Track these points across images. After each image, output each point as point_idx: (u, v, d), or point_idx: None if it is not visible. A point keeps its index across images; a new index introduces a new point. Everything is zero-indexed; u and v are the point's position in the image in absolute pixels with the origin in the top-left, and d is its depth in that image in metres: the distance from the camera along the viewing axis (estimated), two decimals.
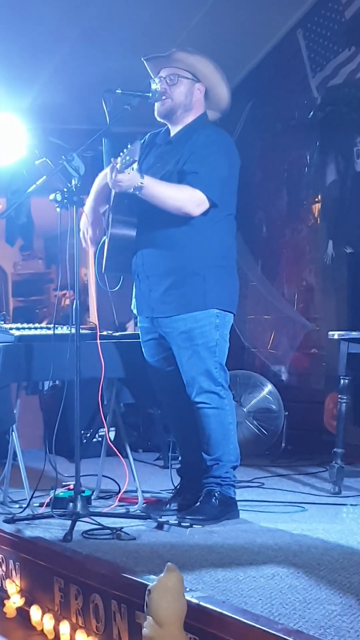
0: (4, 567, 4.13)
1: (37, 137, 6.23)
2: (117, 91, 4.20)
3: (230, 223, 4.40)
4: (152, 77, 4.37)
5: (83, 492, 4.27)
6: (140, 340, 4.54)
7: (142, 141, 4.48)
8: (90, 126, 4.18)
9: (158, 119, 4.40)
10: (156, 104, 4.35)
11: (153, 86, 4.30)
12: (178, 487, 4.55)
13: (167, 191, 4.21)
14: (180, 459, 4.58)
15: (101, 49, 6.30)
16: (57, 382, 5.15)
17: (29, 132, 6.33)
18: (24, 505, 4.46)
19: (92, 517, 4.12)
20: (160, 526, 4.11)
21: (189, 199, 4.20)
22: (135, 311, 4.53)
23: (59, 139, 4.80)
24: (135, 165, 4.11)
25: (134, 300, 4.50)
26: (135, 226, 4.33)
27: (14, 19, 5.96)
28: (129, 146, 4.06)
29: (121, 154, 4.09)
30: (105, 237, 4.41)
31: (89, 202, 4.52)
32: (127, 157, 4.05)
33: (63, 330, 4.53)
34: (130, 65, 4.55)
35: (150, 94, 4.29)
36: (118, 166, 4.07)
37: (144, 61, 4.38)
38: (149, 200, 4.19)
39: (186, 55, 4.34)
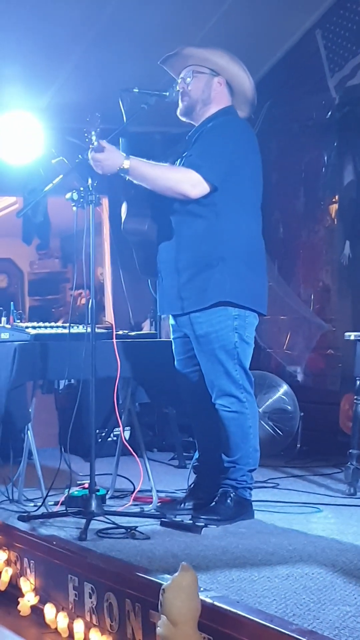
0: (18, 565, 4.13)
1: (54, 136, 6.25)
2: (134, 90, 4.20)
3: (252, 214, 4.29)
4: (176, 79, 4.35)
5: (98, 491, 4.27)
6: (155, 340, 4.54)
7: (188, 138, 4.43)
8: (107, 125, 4.18)
9: (180, 118, 4.37)
10: (179, 103, 4.33)
11: (176, 88, 4.28)
12: (192, 485, 4.54)
13: (156, 171, 4.14)
14: (198, 456, 4.56)
15: (118, 48, 6.30)
16: (72, 381, 5.15)
17: (47, 131, 6.35)
18: (39, 504, 4.47)
19: (107, 516, 4.12)
20: (174, 526, 4.10)
21: (181, 179, 4.11)
22: (159, 312, 4.50)
23: (76, 138, 4.80)
24: (105, 143, 4.02)
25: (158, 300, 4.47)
26: (146, 218, 4.29)
27: (33, 20, 5.98)
28: (87, 119, 4.00)
29: (89, 135, 4.02)
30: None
31: None
32: (85, 131, 3.99)
33: (79, 329, 4.53)
34: (148, 65, 4.55)
35: (167, 93, 4.27)
36: (93, 144, 4.00)
37: (162, 65, 4.37)
38: (140, 183, 4.12)
39: (197, 49, 4.30)
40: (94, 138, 4.01)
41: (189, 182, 4.10)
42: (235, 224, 4.20)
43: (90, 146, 4.02)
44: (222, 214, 4.18)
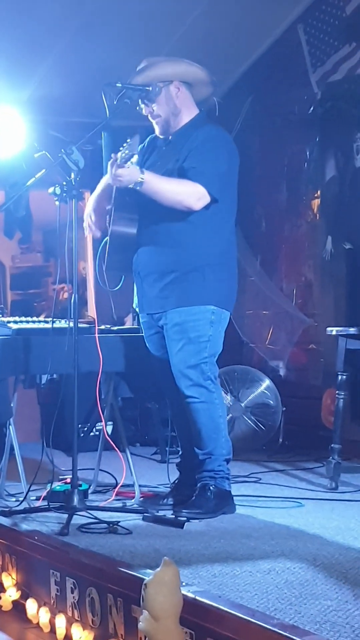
0: (0, 560, 4.12)
1: (36, 130, 6.22)
2: (117, 85, 4.20)
3: (230, 220, 4.42)
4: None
5: (80, 485, 4.27)
6: (138, 334, 4.54)
7: (142, 145, 4.49)
8: (89, 119, 4.18)
9: (161, 137, 4.41)
10: (155, 126, 4.41)
11: (143, 112, 4.37)
12: (176, 481, 4.55)
13: (167, 186, 4.22)
14: (180, 453, 4.58)
15: (100, 42, 6.28)
16: (54, 375, 5.14)
17: (28, 125, 6.33)
18: (21, 499, 4.46)
19: (89, 511, 4.12)
20: (156, 520, 4.10)
21: (189, 193, 4.21)
22: (137, 309, 4.53)
23: (58, 132, 4.79)
24: (134, 159, 4.12)
25: (135, 298, 4.50)
26: (136, 223, 4.35)
27: (13, 11, 5.95)
28: (128, 140, 4.10)
29: (121, 148, 4.10)
30: (107, 236, 4.40)
31: (93, 196, 4.50)
32: (127, 151, 4.07)
33: (61, 323, 4.53)
34: (130, 59, 4.53)
35: (150, 88, 4.28)
36: (118, 161, 4.08)
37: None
38: (150, 196, 4.19)
39: (142, 74, 4.33)
40: (134, 159, 4.13)
41: (196, 196, 4.22)
42: (219, 232, 4.34)
43: (116, 160, 4.09)
44: (208, 222, 4.29)
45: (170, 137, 4.42)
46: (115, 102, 4.19)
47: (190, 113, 4.40)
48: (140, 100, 4.35)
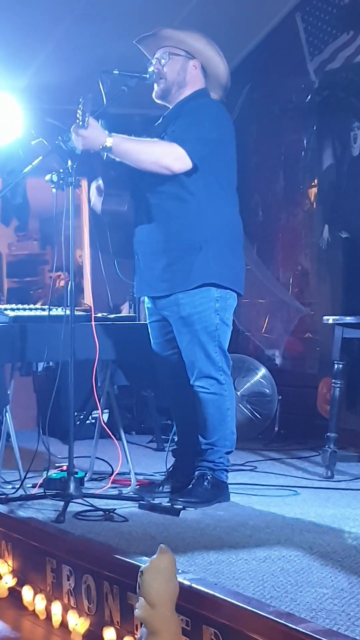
0: None
1: (33, 118, 6.21)
2: (114, 72, 4.18)
3: (230, 196, 4.30)
4: (150, 59, 4.34)
5: (76, 473, 4.27)
6: (134, 322, 4.54)
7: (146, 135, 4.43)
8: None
9: (156, 101, 4.37)
10: (154, 87, 4.32)
11: (150, 69, 4.27)
12: (170, 469, 4.55)
13: (138, 146, 4.13)
14: (177, 440, 4.58)
15: (98, 29, 6.26)
16: (51, 363, 5.14)
17: (26, 112, 6.31)
18: (17, 486, 4.47)
19: (85, 499, 4.12)
20: (152, 508, 4.11)
21: (164, 152, 4.10)
22: (135, 294, 4.49)
23: (55, 119, 4.77)
24: (90, 119, 4.00)
25: (134, 282, 4.46)
26: (125, 200, 4.28)
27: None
28: (80, 99, 3.98)
29: (78, 110, 4.00)
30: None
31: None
32: (80, 107, 3.97)
33: (58, 311, 4.52)
34: (128, 46, 4.52)
35: (148, 75, 4.26)
36: (77, 121, 3.99)
37: (137, 45, 4.35)
38: (123, 160, 4.11)
39: (174, 31, 4.29)
40: (79, 114, 3.98)
41: (172, 155, 4.09)
42: (215, 207, 4.21)
43: (77, 122, 4.00)
44: (203, 196, 4.19)
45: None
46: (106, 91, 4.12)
47: (191, 90, 4.33)
48: (159, 51, 4.26)
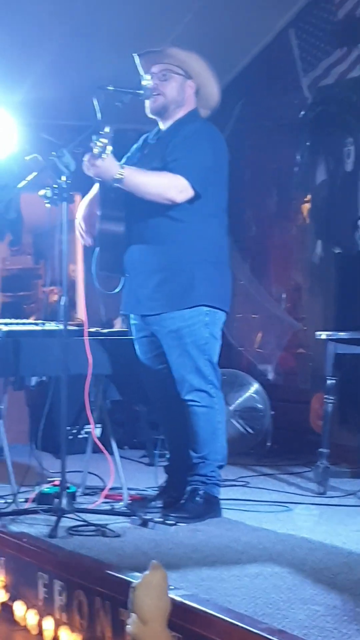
0: None
1: (28, 133, 6.22)
2: (109, 88, 4.20)
3: (220, 218, 4.38)
4: (142, 73, 4.36)
5: (68, 488, 4.27)
6: (127, 337, 4.54)
7: (136, 145, 4.48)
8: (81, 122, 4.18)
9: (150, 115, 4.39)
10: (147, 101, 4.34)
11: (144, 82, 4.29)
12: (164, 484, 4.55)
13: (147, 179, 4.19)
14: (168, 456, 4.58)
15: (93, 45, 6.28)
16: (44, 378, 5.14)
17: (20, 128, 6.32)
18: (10, 501, 4.46)
19: (77, 514, 4.12)
20: (144, 523, 4.11)
21: (170, 185, 4.16)
22: (122, 311, 4.51)
23: (50, 134, 4.80)
24: (109, 149, 4.06)
25: (122, 300, 4.48)
26: (122, 221, 4.31)
27: (6, 13, 5.95)
28: (101, 132, 4.02)
29: (96, 140, 4.03)
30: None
31: (84, 202, 4.47)
32: (103, 140, 4.02)
33: (51, 326, 4.53)
34: (122, 62, 4.54)
35: (142, 92, 4.28)
36: (95, 151, 4.04)
37: (136, 57, 4.37)
38: (132, 191, 4.16)
39: (178, 51, 4.34)
40: (100, 145, 4.02)
41: (177, 188, 4.17)
42: (208, 230, 4.30)
43: (95, 151, 4.03)
44: (197, 220, 4.26)
45: (160, 133, 4.40)
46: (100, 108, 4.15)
47: (186, 110, 4.37)
48: (155, 66, 4.30)
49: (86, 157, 4.13)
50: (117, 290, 4.46)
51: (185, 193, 4.18)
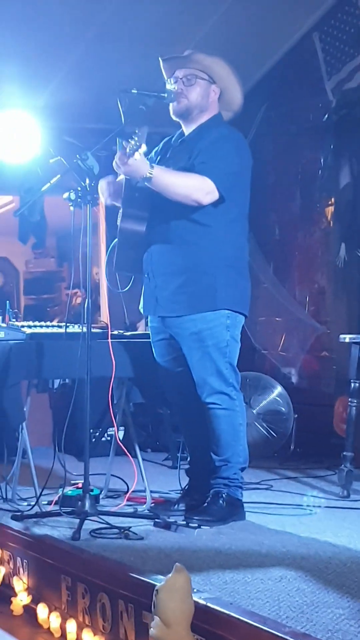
0: (11, 565, 4.13)
1: (52, 136, 6.25)
2: (133, 91, 4.20)
3: (242, 223, 4.39)
4: (166, 77, 4.37)
5: (91, 490, 4.27)
6: (150, 340, 4.54)
7: (157, 148, 4.50)
8: (105, 125, 4.20)
9: (174, 118, 4.40)
10: (171, 104, 4.35)
11: (168, 86, 4.31)
12: (186, 487, 4.55)
13: (175, 179, 4.19)
14: (189, 459, 4.59)
15: (117, 48, 6.30)
16: (67, 380, 5.15)
17: (44, 131, 6.35)
18: (33, 503, 4.47)
19: (100, 516, 4.12)
20: (168, 526, 4.10)
21: (198, 187, 4.17)
22: (142, 311, 4.52)
23: (73, 138, 4.82)
24: (143, 149, 4.08)
25: (142, 300, 4.49)
26: (145, 221, 4.32)
27: (31, 18, 5.98)
28: (137, 131, 4.05)
29: (130, 139, 4.06)
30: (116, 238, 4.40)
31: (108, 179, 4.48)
32: (136, 140, 4.04)
33: (74, 328, 4.53)
34: (146, 65, 4.56)
35: (166, 95, 4.29)
36: (128, 150, 4.05)
37: (161, 61, 4.39)
38: (159, 191, 4.17)
39: (204, 57, 4.35)
40: (133, 144, 4.03)
41: (205, 190, 4.17)
42: (231, 234, 4.30)
43: (126, 150, 4.04)
44: (221, 224, 4.26)
45: (184, 137, 4.41)
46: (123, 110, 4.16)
47: (210, 114, 4.39)
48: (180, 70, 4.31)
49: (117, 156, 4.14)
50: (126, 288, 4.46)
51: (212, 195, 4.18)
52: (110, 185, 4.43)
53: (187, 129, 4.42)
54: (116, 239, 4.39)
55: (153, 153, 4.51)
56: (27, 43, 6.14)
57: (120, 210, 4.36)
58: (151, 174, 4.12)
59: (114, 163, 4.18)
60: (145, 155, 4.17)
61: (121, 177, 4.35)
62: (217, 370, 4.26)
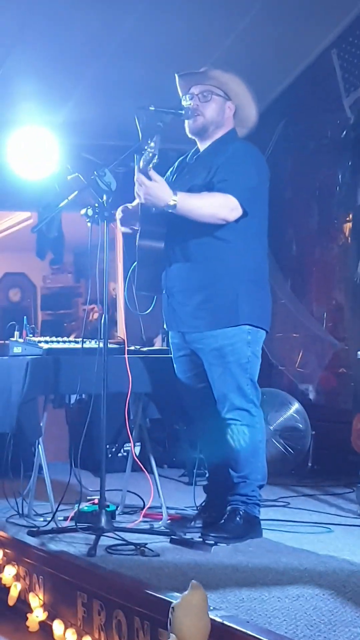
0: (27, 581, 4.12)
1: (70, 153, 6.27)
2: (150, 108, 4.21)
3: (262, 238, 4.39)
4: (181, 94, 4.38)
5: (108, 506, 4.27)
6: (167, 355, 4.54)
7: (172, 168, 4.50)
8: (123, 142, 4.21)
9: (189, 135, 4.40)
10: (187, 122, 4.36)
11: (184, 103, 4.31)
12: (203, 504, 4.53)
13: (200, 202, 4.19)
14: (207, 475, 4.57)
15: (134, 65, 6.32)
16: (83, 395, 5.15)
17: (62, 147, 6.38)
18: (49, 519, 4.47)
19: (116, 532, 4.11)
20: (184, 543, 4.09)
21: (222, 204, 4.17)
22: (166, 327, 4.52)
23: (91, 154, 4.83)
24: (155, 160, 4.07)
25: (164, 317, 4.48)
26: (163, 237, 4.32)
27: (50, 35, 6.02)
28: (150, 142, 4.05)
29: (143, 151, 4.06)
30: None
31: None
32: (149, 151, 4.04)
33: (91, 344, 4.54)
34: (164, 83, 4.56)
35: (183, 112, 4.30)
36: (141, 164, 4.05)
37: (177, 77, 4.40)
38: (185, 215, 4.17)
39: (220, 73, 4.36)
40: (145, 157, 4.04)
41: (229, 207, 4.17)
42: (251, 249, 4.30)
43: (141, 163, 4.05)
44: (241, 239, 4.26)
45: (199, 153, 4.42)
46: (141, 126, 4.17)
47: (225, 130, 4.40)
48: (196, 87, 4.32)
49: (136, 185, 4.12)
50: (149, 310, 4.46)
51: (237, 211, 4.18)
52: (125, 211, 4.43)
53: (202, 145, 4.43)
54: (135, 262, 4.38)
55: (169, 172, 4.51)
56: (46, 60, 6.18)
57: (139, 228, 4.36)
58: (175, 200, 4.11)
59: (135, 193, 4.17)
60: (161, 174, 4.16)
61: (136, 202, 4.34)
62: (238, 386, 4.24)
